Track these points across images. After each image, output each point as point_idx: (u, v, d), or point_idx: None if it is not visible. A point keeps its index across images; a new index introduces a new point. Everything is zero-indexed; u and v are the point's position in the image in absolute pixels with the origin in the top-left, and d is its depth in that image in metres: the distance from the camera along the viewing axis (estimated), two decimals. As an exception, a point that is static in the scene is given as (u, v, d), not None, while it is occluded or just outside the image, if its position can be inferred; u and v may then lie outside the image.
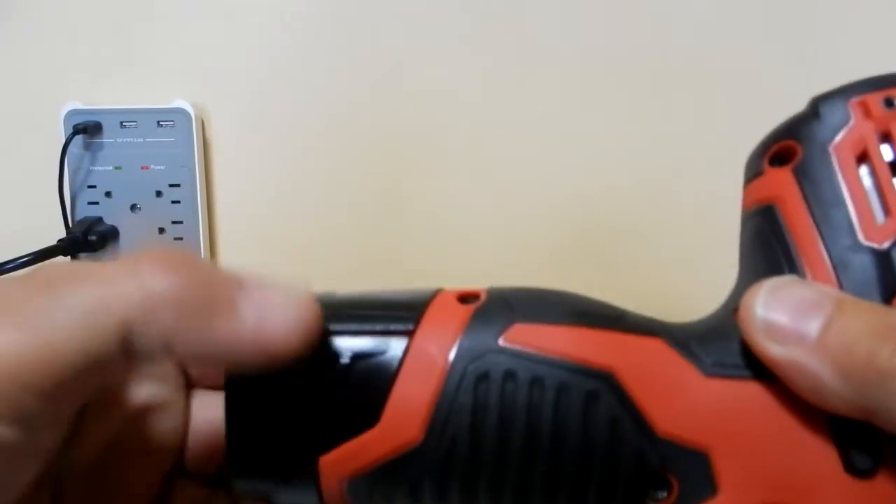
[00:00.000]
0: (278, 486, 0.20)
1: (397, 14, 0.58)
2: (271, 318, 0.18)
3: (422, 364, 0.20)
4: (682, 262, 0.62)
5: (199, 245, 0.60)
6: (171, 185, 0.59)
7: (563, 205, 0.61)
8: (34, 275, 0.18)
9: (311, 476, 0.20)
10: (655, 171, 0.61)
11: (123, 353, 0.17)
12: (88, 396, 0.18)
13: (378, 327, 0.21)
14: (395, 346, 0.20)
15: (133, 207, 0.60)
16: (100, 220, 0.60)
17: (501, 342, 0.20)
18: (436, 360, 0.20)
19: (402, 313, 0.21)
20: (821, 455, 0.19)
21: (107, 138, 0.59)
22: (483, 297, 0.22)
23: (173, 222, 0.60)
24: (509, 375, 0.20)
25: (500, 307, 0.21)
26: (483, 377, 0.20)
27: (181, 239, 0.60)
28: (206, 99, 0.60)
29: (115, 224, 0.60)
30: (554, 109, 0.60)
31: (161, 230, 0.60)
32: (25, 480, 0.18)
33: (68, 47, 0.59)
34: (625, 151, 0.60)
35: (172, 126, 0.58)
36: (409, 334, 0.21)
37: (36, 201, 0.60)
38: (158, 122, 0.58)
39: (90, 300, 0.17)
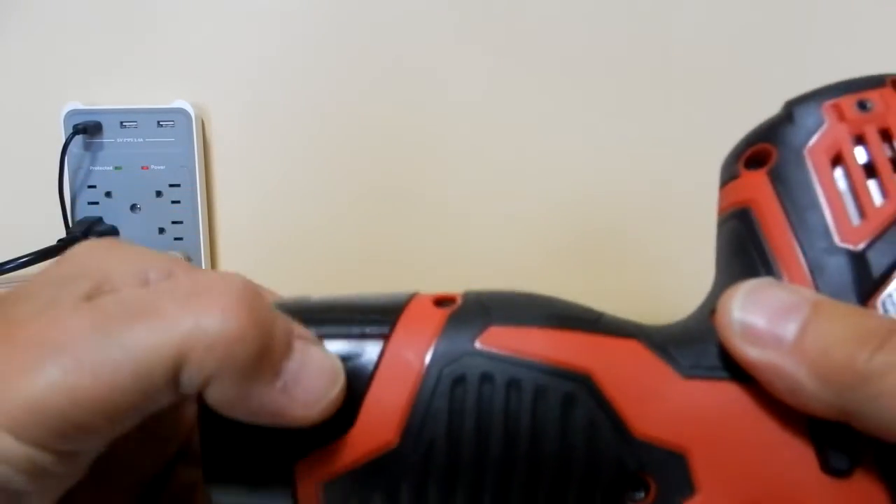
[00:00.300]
0: (254, 492, 0.20)
1: (397, 14, 0.58)
2: (303, 395, 0.18)
3: (397, 367, 0.20)
4: (679, 262, 0.62)
5: (199, 245, 0.60)
6: (171, 185, 0.59)
7: (561, 203, 0.61)
8: (97, 307, 0.18)
9: (287, 481, 0.20)
10: (654, 171, 0.61)
11: (169, 392, 0.17)
12: (138, 421, 0.18)
13: (354, 331, 0.21)
14: (370, 350, 0.20)
15: (133, 207, 0.60)
16: (100, 220, 0.60)
17: (478, 345, 0.20)
18: (411, 363, 0.20)
19: (378, 317, 0.21)
20: (798, 455, 0.19)
21: (107, 138, 0.59)
22: (459, 300, 0.22)
23: (173, 222, 0.60)
24: (486, 378, 0.20)
25: (475, 310, 0.21)
26: (459, 380, 0.20)
27: (181, 239, 0.60)
28: (206, 99, 0.60)
29: (115, 224, 0.60)
30: (553, 109, 0.60)
31: (161, 230, 0.60)
32: (60, 493, 0.18)
33: (68, 47, 0.59)
34: (624, 151, 0.60)
35: (172, 126, 0.58)
36: (385, 338, 0.20)
37: (36, 201, 0.60)
38: (158, 122, 0.58)
39: (145, 340, 0.17)
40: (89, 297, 0.19)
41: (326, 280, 0.63)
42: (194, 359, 0.17)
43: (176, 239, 0.60)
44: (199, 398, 0.18)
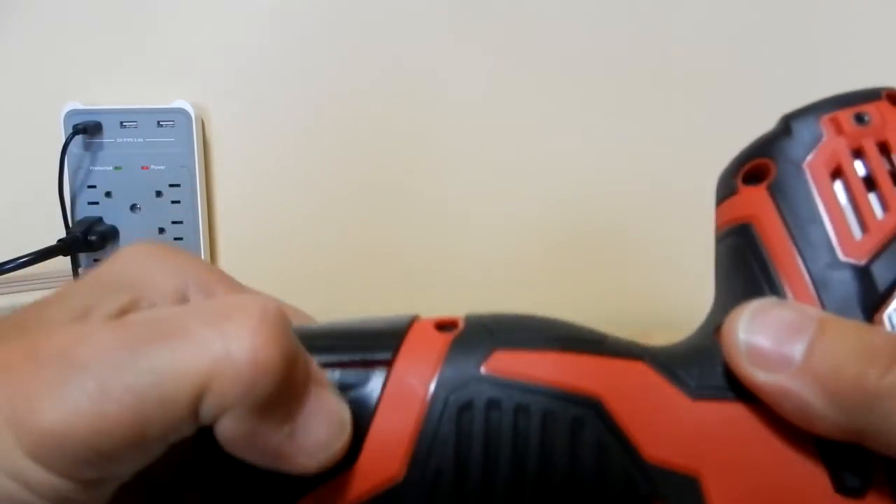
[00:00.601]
0: None
1: (396, 14, 0.58)
2: (307, 443, 0.18)
3: (402, 395, 0.19)
4: (678, 262, 0.62)
5: (199, 245, 0.60)
6: (171, 185, 0.59)
7: (560, 203, 0.61)
8: (123, 327, 0.17)
9: None
10: (653, 170, 0.61)
11: (190, 420, 0.17)
12: (160, 451, 0.17)
13: (356, 358, 0.20)
14: (373, 379, 0.20)
15: (133, 207, 0.60)
16: (100, 220, 0.60)
17: (483, 370, 0.20)
18: (416, 390, 0.19)
19: (379, 343, 0.20)
20: (811, 474, 0.18)
21: (107, 138, 0.59)
22: (461, 324, 0.21)
23: (173, 222, 0.60)
24: (493, 404, 0.19)
25: (479, 334, 0.21)
26: (466, 407, 0.19)
27: (181, 239, 0.60)
28: (206, 99, 0.60)
29: (115, 224, 0.60)
30: (552, 109, 0.60)
31: (161, 230, 0.60)
32: None
33: (68, 47, 0.59)
34: (623, 151, 0.60)
35: (172, 126, 0.58)
36: (388, 365, 0.20)
37: (36, 201, 0.60)
38: (158, 122, 0.58)
39: (171, 363, 0.16)
40: (123, 311, 0.18)
41: (326, 280, 0.63)
42: (218, 386, 0.16)
43: (176, 239, 0.60)
44: (198, 433, 0.18)
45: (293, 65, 0.59)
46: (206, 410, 0.17)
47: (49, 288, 0.60)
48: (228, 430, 0.17)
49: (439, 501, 0.19)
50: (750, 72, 0.58)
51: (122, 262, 0.20)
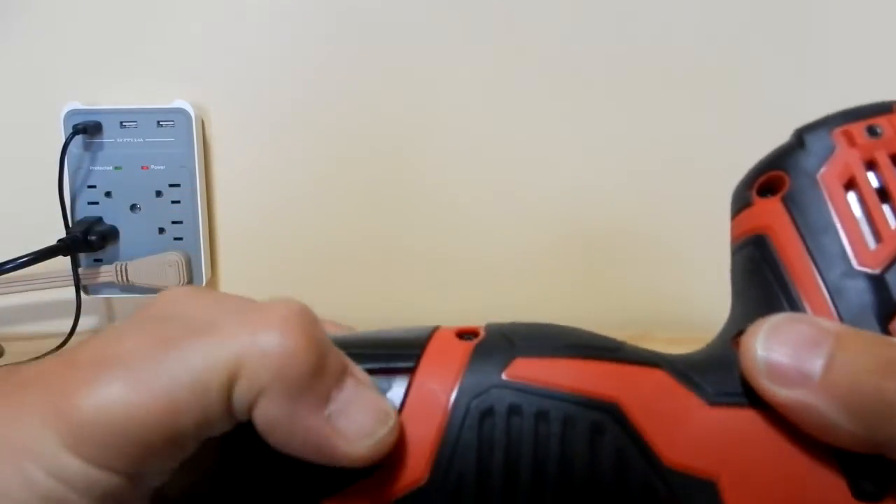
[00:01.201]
0: None
1: (396, 14, 0.58)
2: (349, 428, 0.18)
3: (425, 402, 0.20)
4: (676, 261, 0.62)
5: (199, 245, 0.60)
6: (171, 185, 0.59)
7: (559, 201, 0.61)
8: (154, 325, 0.18)
9: None
10: (650, 170, 0.61)
11: (223, 408, 0.17)
12: (195, 446, 0.18)
13: (378, 366, 0.20)
14: (396, 386, 0.20)
15: (133, 207, 0.60)
16: (100, 220, 0.60)
17: (504, 377, 0.20)
18: (438, 397, 0.20)
19: (402, 351, 0.21)
20: (829, 479, 0.19)
21: (107, 138, 0.59)
22: (482, 333, 0.22)
23: (173, 222, 0.60)
24: (514, 410, 0.20)
25: (499, 342, 0.21)
26: (487, 413, 0.20)
27: (181, 239, 0.60)
28: (206, 99, 0.60)
29: (115, 224, 0.60)
30: (551, 108, 0.60)
31: (161, 230, 0.60)
32: None
33: (68, 47, 0.59)
34: (621, 151, 0.60)
35: (172, 126, 0.58)
36: (410, 372, 0.20)
37: (36, 201, 0.60)
38: (158, 122, 0.58)
39: (202, 353, 0.17)
40: None
41: (327, 281, 0.63)
42: (248, 371, 0.17)
43: (176, 239, 0.60)
44: (224, 436, 0.18)
45: (293, 65, 0.59)
46: (240, 396, 0.17)
47: (49, 288, 0.60)
48: (268, 413, 0.17)
49: (462, 502, 0.19)
50: (750, 71, 0.58)
51: (163, 301, 0.21)
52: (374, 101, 0.60)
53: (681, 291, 0.62)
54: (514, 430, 0.20)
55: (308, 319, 0.18)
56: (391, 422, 0.19)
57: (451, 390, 0.20)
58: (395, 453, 0.19)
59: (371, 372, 0.20)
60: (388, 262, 0.63)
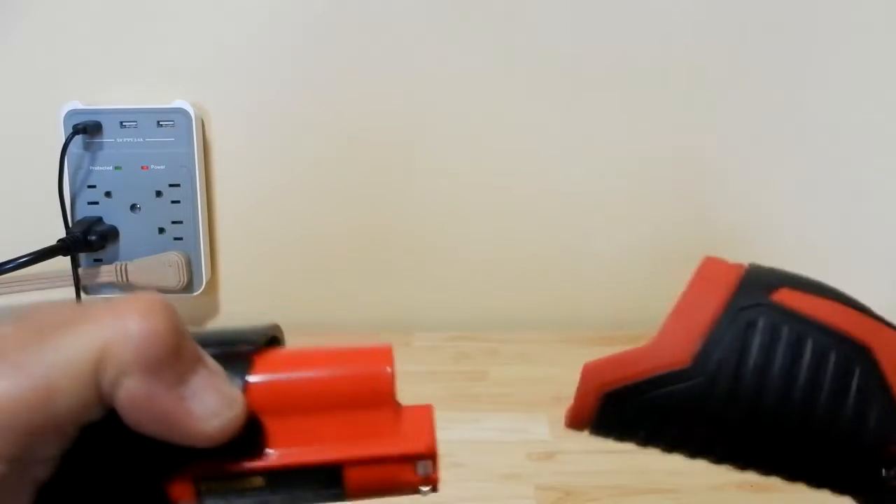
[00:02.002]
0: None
1: (396, 14, 0.58)
2: (200, 409, 0.19)
3: (699, 300, 0.22)
4: (674, 258, 0.62)
5: (199, 245, 0.60)
6: (171, 185, 0.59)
7: (554, 198, 0.61)
8: (27, 321, 0.19)
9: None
10: (647, 169, 0.61)
11: (94, 384, 0.18)
12: (74, 432, 0.19)
13: (225, 350, 0.21)
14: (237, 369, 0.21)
15: (133, 207, 0.60)
16: (100, 220, 0.60)
17: (772, 298, 0.22)
18: (714, 299, 0.22)
19: (247, 339, 0.22)
20: None
21: (107, 138, 0.59)
22: (747, 265, 0.24)
23: (173, 222, 0.60)
24: (776, 327, 0.22)
25: (768, 271, 0.24)
26: (752, 324, 0.22)
27: (181, 239, 0.60)
28: (206, 99, 0.60)
29: (115, 224, 0.60)
30: (547, 107, 0.60)
31: (161, 230, 0.60)
32: None
33: (68, 47, 0.59)
34: (617, 149, 0.61)
35: (172, 126, 0.58)
36: (249, 355, 0.21)
37: (36, 201, 0.60)
38: (158, 122, 0.58)
39: (75, 339, 0.18)
40: None
41: (326, 280, 0.63)
42: (114, 353, 0.18)
43: (176, 239, 0.60)
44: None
45: (293, 65, 0.59)
46: (107, 377, 0.18)
47: (49, 288, 0.60)
48: (129, 390, 0.18)
49: (713, 395, 0.22)
50: (749, 71, 0.58)
51: (37, 308, 0.22)
52: (374, 101, 0.60)
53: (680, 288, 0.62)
54: (773, 346, 0.21)
55: (169, 309, 0.19)
56: (238, 407, 0.20)
57: (726, 298, 0.22)
58: (668, 333, 0.22)
59: (219, 356, 0.21)
60: (388, 261, 0.63)
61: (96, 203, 0.60)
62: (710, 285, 0.23)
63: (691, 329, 0.22)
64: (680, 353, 0.22)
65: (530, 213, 0.61)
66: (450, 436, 0.46)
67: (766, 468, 0.22)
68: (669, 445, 0.23)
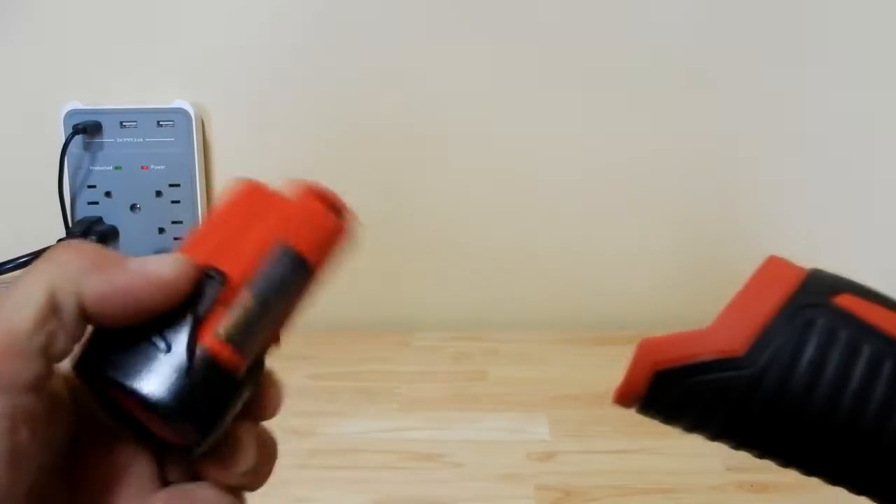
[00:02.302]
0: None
1: (397, 14, 0.58)
2: (151, 264, 0.22)
3: (759, 295, 0.23)
4: (672, 255, 0.62)
5: (199, 245, 0.60)
6: (171, 185, 0.59)
7: (560, 192, 0.61)
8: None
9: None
10: (648, 173, 0.61)
11: (54, 312, 0.20)
12: (48, 360, 0.20)
13: None
14: None
15: (133, 207, 0.60)
16: (100, 219, 0.60)
17: (833, 301, 0.22)
18: (774, 296, 0.23)
19: None
20: None
21: (107, 138, 0.59)
22: (808, 269, 0.24)
23: (173, 222, 0.60)
24: (833, 330, 0.22)
25: (833, 276, 0.24)
26: (810, 323, 0.22)
27: (181, 239, 0.60)
28: (206, 99, 0.60)
29: (115, 224, 0.60)
30: (555, 101, 0.60)
31: (161, 230, 0.60)
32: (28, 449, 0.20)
33: (68, 47, 0.59)
34: (619, 152, 0.61)
35: (172, 126, 0.58)
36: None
37: (36, 201, 0.60)
38: (158, 122, 0.58)
39: (26, 285, 0.21)
40: None
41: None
42: (62, 280, 0.21)
43: (176, 239, 0.60)
44: (75, 368, 0.22)
45: (293, 65, 0.59)
46: (66, 300, 0.21)
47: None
48: (93, 291, 0.21)
49: (763, 386, 0.22)
50: (749, 71, 0.58)
51: None
52: (374, 100, 0.60)
53: (684, 287, 0.62)
54: (828, 347, 0.22)
55: (90, 243, 0.22)
56: (183, 257, 0.22)
57: (786, 296, 0.23)
58: (726, 320, 0.23)
59: None
60: (388, 262, 0.63)
61: (96, 203, 0.60)
62: (773, 281, 0.23)
63: (749, 319, 0.22)
64: (735, 340, 0.22)
65: (531, 213, 0.61)
66: (450, 436, 0.47)
67: (809, 468, 0.22)
68: (715, 433, 0.23)
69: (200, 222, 0.23)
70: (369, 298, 0.63)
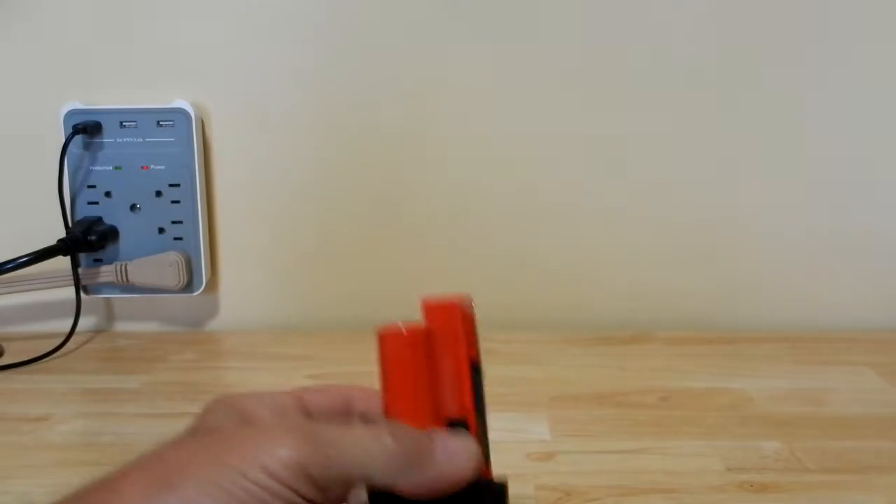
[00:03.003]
0: None
1: (397, 15, 0.58)
2: (457, 459, 0.24)
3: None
4: (671, 254, 0.62)
5: (199, 245, 0.60)
6: (171, 185, 0.59)
7: (557, 198, 0.61)
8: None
9: None
10: (648, 173, 0.61)
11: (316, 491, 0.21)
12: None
13: None
14: None
15: (133, 207, 0.60)
16: (100, 219, 0.60)
17: None
18: None
19: None
20: None
21: (107, 138, 0.59)
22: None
23: (173, 222, 0.60)
24: None
25: None
26: None
27: (181, 239, 0.60)
28: (206, 99, 0.60)
29: (115, 224, 0.60)
30: (551, 108, 0.60)
31: (161, 230, 0.60)
32: None
33: (68, 47, 0.59)
34: (620, 151, 0.61)
35: (172, 126, 0.58)
36: None
37: (36, 201, 0.60)
38: (158, 122, 0.58)
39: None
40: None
41: (326, 280, 0.63)
42: (377, 475, 0.23)
43: (176, 239, 0.60)
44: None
45: (293, 65, 0.60)
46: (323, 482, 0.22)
47: (49, 288, 0.60)
48: (409, 485, 0.23)
49: None
50: (748, 71, 0.58)
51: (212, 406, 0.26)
52: (374, 100, 0.60)
53: (684, 287, 0.62)
54: None
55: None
56: (473, 447, 0.25)
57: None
58: None
59: None
60: (388, 261, 0.63)
61: (96, 203, 0.60)
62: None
63: None
64: None
65: (531, 213, 0.61)
66: (450, 436, 0.46)
67: None
68: None
69: (388, 380, 0.26)
70: (369, 298, 0.63)
